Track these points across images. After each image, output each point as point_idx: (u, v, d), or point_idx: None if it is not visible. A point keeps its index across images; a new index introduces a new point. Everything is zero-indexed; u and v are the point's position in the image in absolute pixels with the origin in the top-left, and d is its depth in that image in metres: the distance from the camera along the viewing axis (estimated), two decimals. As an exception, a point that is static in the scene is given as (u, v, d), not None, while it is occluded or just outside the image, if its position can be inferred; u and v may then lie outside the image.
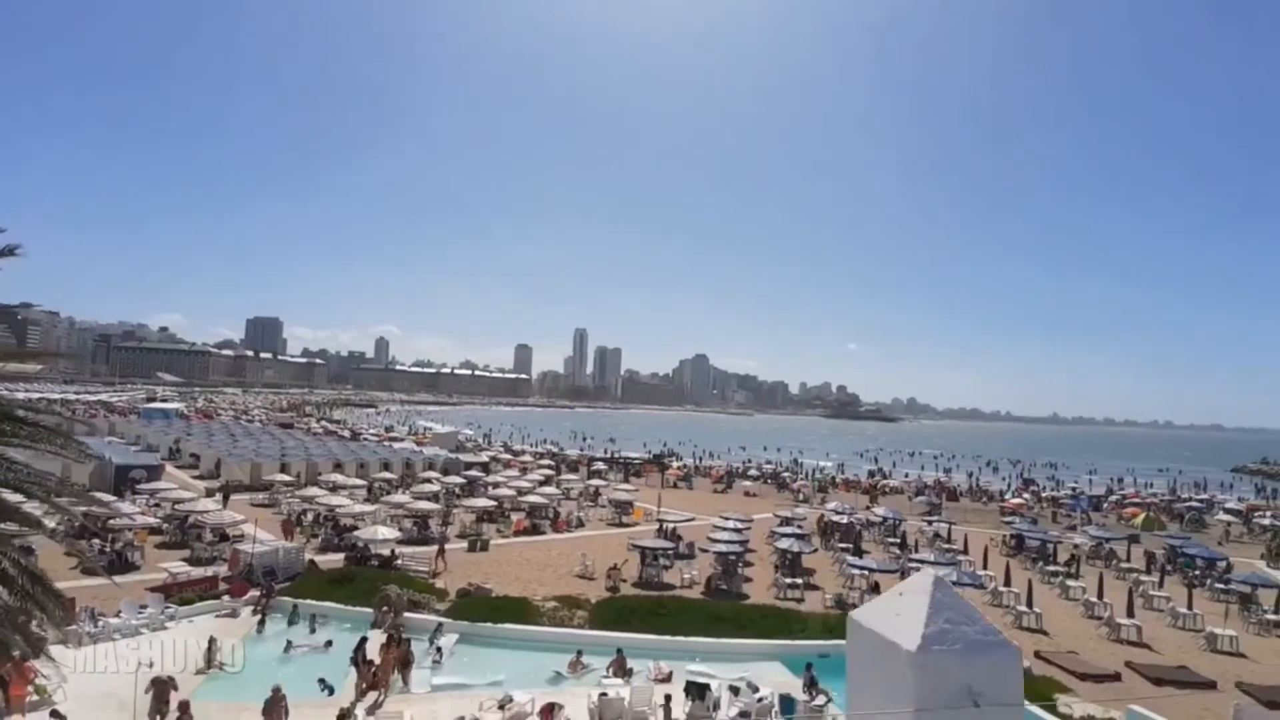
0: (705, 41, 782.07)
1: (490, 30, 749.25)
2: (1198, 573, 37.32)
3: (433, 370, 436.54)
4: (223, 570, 26.74)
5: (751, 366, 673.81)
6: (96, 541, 28.63)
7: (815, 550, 35.86)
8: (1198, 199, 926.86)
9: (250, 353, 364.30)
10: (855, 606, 27.75)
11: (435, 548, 31.48)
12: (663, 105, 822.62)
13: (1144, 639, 25.65)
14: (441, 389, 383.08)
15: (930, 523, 47.17)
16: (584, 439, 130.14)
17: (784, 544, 32.80)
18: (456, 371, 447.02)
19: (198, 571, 26.39)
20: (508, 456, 72.63)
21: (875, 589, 28.96)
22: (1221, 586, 33.68)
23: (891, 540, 40.55)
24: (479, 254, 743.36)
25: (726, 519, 39.23)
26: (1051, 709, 17.79)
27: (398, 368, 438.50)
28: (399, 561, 29.18)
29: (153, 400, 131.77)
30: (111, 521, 30.50)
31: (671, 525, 38.20)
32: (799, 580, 29.84)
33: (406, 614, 23.53)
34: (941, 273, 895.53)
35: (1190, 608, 28.72)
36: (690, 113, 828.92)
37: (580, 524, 41.87)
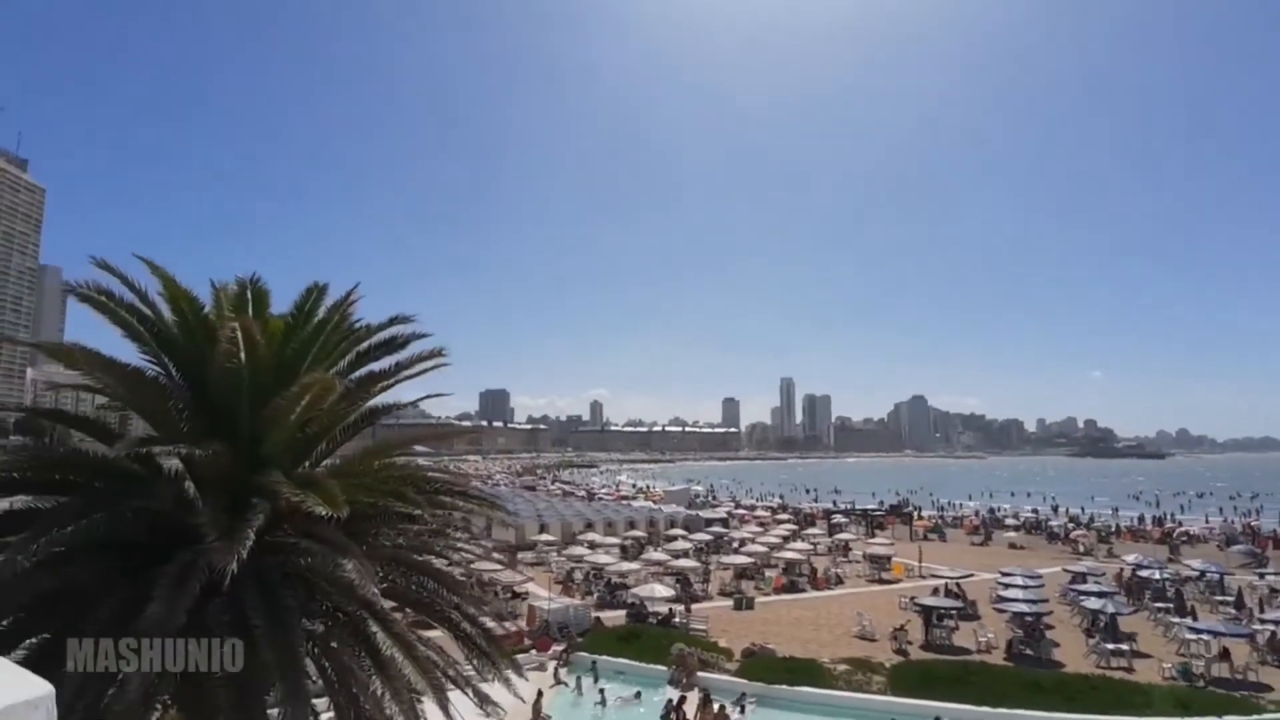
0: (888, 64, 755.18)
1: (692, 98, 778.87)
2: None
3: (645, 429, 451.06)
4: (521, 625, 28.79)
5: (976, 405, 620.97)
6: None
7: (1135, 610, 31.26)
8: None
9: (485, 422, 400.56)
10: (1202, 678, 23.93)
11: (697, 604, 31.97)
12: (850, 143, 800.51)
13: None
14: (654, 447, 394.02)
15: (1261, 575, 39.63)
16: (807, 491, 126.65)
17: (1093, 604, 29.02)
18: (667, 429, 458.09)
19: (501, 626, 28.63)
20: (742, 512, 72.24)
21: (1225, 656, 24.69)
22: None
23: (1222, 599, 34.38)
24: (681, 313, 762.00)
25: (1009, 575, 35.62)
26: None
27: (612, 428, 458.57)
28: (677, 620, 29.66)
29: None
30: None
31: (950, 582, 35.41)
32: (1123, 646, 26.08)
33: (699, 673, 23.80)
34: (1203, 278, 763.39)
35: None
36: (881, 142, 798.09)
37: (839, 580, 40.21)
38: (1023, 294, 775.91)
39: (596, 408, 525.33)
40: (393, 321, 9.96)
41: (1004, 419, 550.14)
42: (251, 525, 6.66)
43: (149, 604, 6.37)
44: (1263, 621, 28.08)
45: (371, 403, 10.40)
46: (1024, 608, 28.74)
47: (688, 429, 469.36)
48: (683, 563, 38.94)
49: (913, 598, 33.38)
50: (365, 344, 9.85)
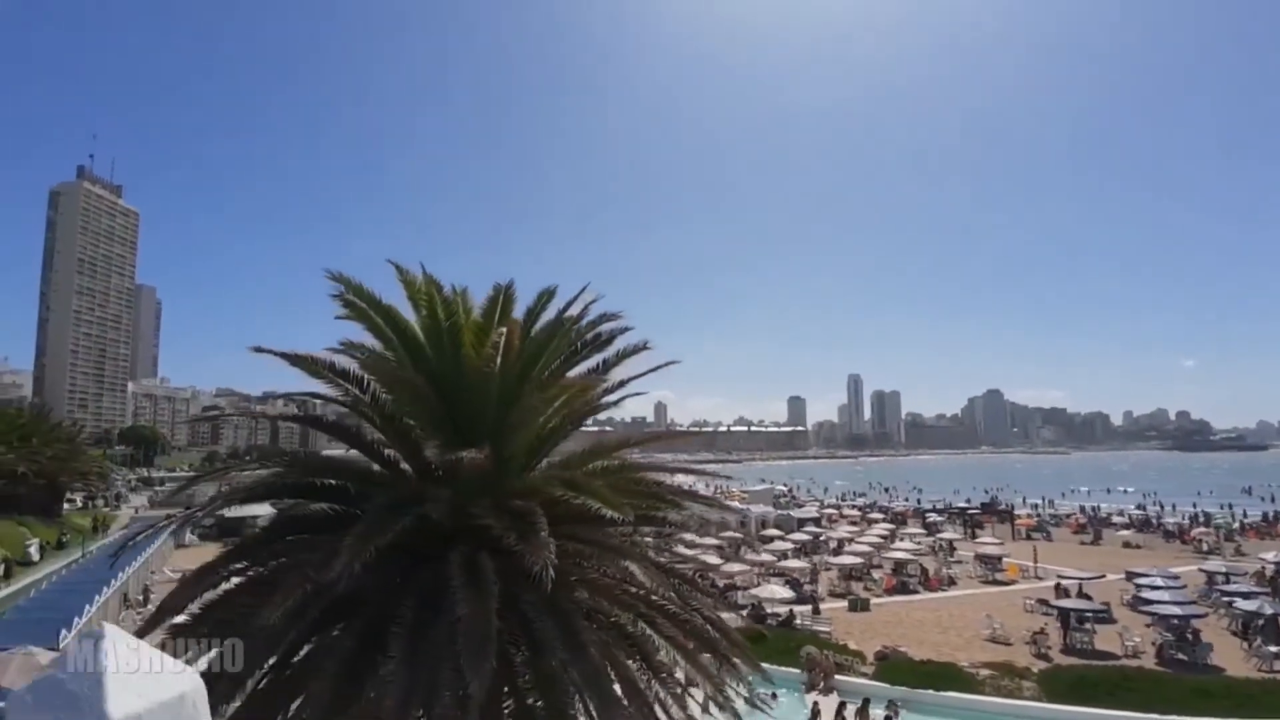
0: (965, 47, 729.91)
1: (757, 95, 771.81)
2: None
3: (710, 429, 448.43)
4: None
5: (1057, 398, 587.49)
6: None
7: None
8: None
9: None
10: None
11: (808, 606, 31.50)
12: (915, 130, 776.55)
13: None
14: (720, 447, 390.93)
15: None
16: (886, 489, 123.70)
17: (1249, 605, 27.26)
18: (733, 429, 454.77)
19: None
20: (830, 511, 70.98)
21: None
22: None
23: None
24: (744, 311, 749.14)
25: (1145, 575, 33.84)
26: None
27: (677, 429, 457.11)
28: (798, 621, 29.19)
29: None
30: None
31: (1078, 583, 33.85)
32: (1284, 649, 24.41)
33: (836, 676, 23.33)
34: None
35: None
36: (949, 126, 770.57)
37: (952, 581, 38.92)
38: (1104, 280, 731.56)
39: (661, 409, 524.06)
40: (601, 319, 9.91)
41: (1088, 412, 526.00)
42: (543, 527, 6.64)
43: (456, 606, 6.42)
44: None
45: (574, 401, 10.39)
46: (1174, 609, 27.20)
47: (753, 428, 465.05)
48: (790, 563, 38.34)
49: (1040, 599, 32.05)
50: (577, 343, 9.82)
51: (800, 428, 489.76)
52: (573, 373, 9.88)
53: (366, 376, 8.62)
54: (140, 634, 7.29)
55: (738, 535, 52.64)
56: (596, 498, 7.11)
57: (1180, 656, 25.08)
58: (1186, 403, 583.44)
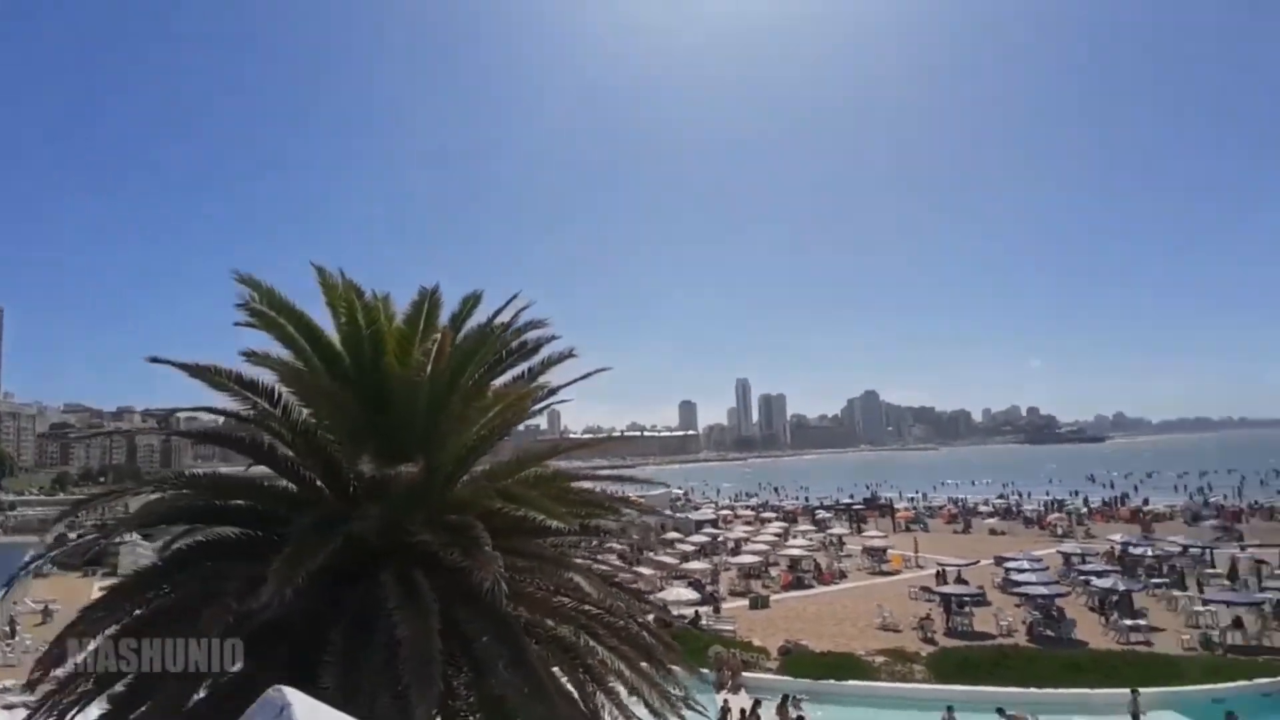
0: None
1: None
2: None
3: (604, 435, 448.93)
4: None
5: (926, 398, 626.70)
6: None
7: (1143, 588, 32.40)
8: None
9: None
10: (1220, 646, 24.99)
11: (711, 606, 32.26)
12: (798, 144, 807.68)
13: None
14: (613, 453, 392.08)
15: (1243, 549, 41.67)
16: (776, 490, 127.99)
17: (1104, 582, 30.09)
18: (626, 434, 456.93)
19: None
20: (726, 512, 72.69)
21: (1238, 625, 25.90)
22: None
23: (1214, 572, 35.92)
24: (636, 316, 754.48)
25: (1014, 560, 36.68)
26: None
27: (570, 436, 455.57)
28: (704, 621, 29.66)
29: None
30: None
31: (954, 569, 36.26)
32: (1140, 621, 27.12)
33: (743, 673, 23.87)
34: (1136, 267, 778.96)
35: None
36: (827, 143, 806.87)
37: (843, 575, 40.78)
38: (961, 285, 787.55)
39: (554, 416, 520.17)
40: (528, 326, 9.68)
41: (952, 410, 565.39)
42: (486, 541, 6.40)
43: (396, 628, 6.08)
44: (1263, 590, 29.53)
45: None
46: (1040, 590, 29.62)
47: (646, 434, 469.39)
48: (692, 565, 38.96)
49: (923, 587, 34.10)
50: (503, 350, 9.54)
51: (692, 431, 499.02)
52: (499, 381, 9.61)
53: (278, 388, 8.03)
54: (32, 683, 6.48)
55: (638, 539, 52.96)
56: (537, 508, 6.94)
57: (1048, 633, 27.36)
58: (1036, 399, 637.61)
